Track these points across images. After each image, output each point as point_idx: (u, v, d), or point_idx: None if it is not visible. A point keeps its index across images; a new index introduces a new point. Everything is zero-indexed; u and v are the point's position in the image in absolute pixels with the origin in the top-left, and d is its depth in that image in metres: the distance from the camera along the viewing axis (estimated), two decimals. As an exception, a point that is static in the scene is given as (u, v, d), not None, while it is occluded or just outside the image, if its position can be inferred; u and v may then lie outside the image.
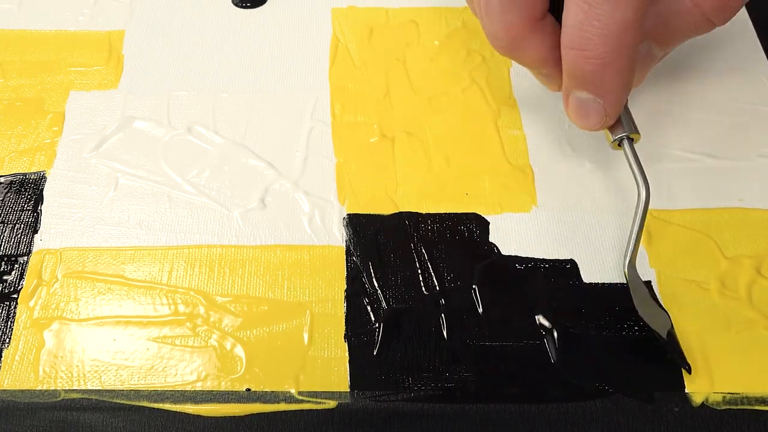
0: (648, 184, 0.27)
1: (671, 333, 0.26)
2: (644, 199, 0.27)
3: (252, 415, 0.26)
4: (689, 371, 0.26)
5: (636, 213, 0.27)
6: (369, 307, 0.28)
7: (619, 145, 0.29)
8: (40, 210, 0.31)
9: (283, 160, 0.32)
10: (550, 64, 0.27)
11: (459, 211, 0.30)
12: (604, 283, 0.28)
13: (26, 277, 0.29)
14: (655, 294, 0.28)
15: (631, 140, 0.28)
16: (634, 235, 0.27)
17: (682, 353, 0.26)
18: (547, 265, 0.29)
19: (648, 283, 0.28)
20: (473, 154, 0.32)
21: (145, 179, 0.31)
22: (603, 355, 0.27)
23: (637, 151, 0.28)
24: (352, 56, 0.36)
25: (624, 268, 0.27)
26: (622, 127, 0.28)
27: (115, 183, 0.31)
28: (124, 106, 0.34)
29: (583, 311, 0.28)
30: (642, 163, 0.28)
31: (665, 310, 0.27)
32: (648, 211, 0.30)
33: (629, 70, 0.26)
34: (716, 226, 0.30)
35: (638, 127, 0.29)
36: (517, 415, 0.26)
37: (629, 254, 0.27)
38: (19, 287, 0.28)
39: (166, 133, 0.33)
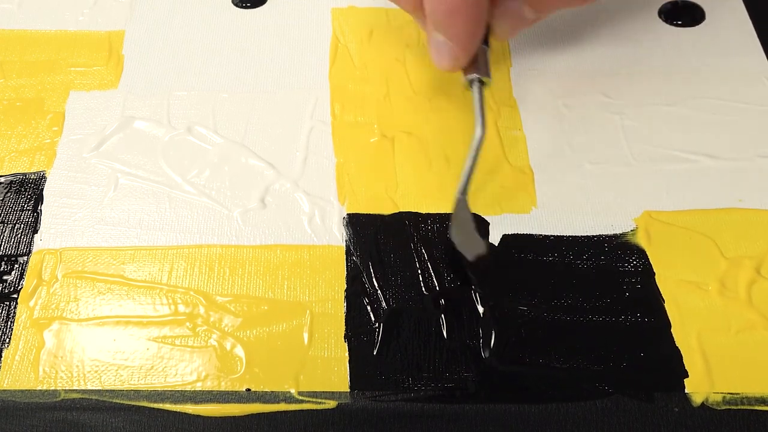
0: (484, 126, 0.29)
1: (481, 257, 0.28)
2: (478, 138, 0.29)
3: (252, 415, 0.26)
4: (481, 278, 0.28)
5: (470, 150, 0.29)
6: (369, 307, 0.28)
7: (471, 85, 0.30)
8: (40, 210, 0.31)
9: (283, 160, 0.32)
10: (421, 10, 0.30)
11: (459, 211, 0.30)
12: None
13: (26, 277, 0.29)
14: (487, 230, 0.29)
15: (481, 83, 0.30)
16: (467, 169, 0.29)
17: (483, 276, 0.28)
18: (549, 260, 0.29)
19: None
20: (473, 154, 0.32)
21: (145, 179, 0.31)
22: (603, 354, 0.27)
23: (484, 98, 0.30)
24: (352, 56, 0.36)
25: (455, 198, 0.28)
26: (476, 70, 0.30)
27: (115, 183, 0.31)
28: (124, 106, 0.34)
29: (586, 306, 0.28)
30: (484, 110, 0.29)
31: (486, 242, 0.29)
32: (647, 211, 0.30)
33: (476, 20, 0.29)
34: (716, 226, 0.30)
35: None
36: (517, 415, 0.26)
37: (461, 185, 0.29)
38: (19, 287, 0.28)
39: (166, 133, 0.33)
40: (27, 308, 0.28)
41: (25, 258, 0.29)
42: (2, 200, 0.31)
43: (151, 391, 0.26)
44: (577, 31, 0.37)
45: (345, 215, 0.30)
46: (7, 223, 0.30)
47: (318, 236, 0.30)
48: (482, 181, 0.31)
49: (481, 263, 0.28)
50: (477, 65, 0.30)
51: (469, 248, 0.28)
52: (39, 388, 0.26)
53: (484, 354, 0.27)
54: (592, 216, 0.30)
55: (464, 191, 0.29)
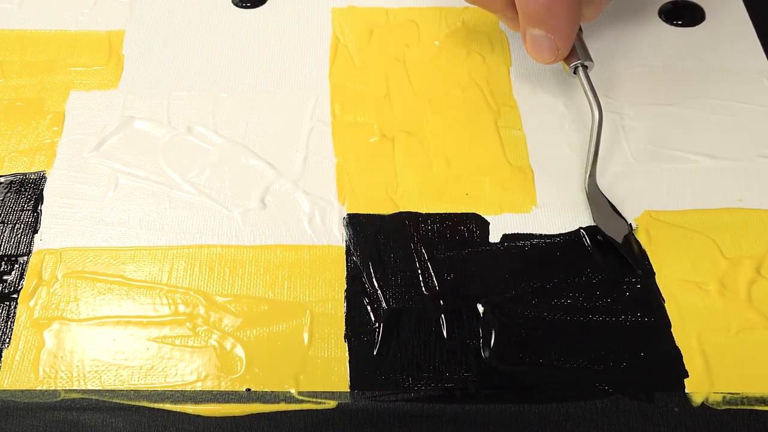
0: (600, 106, 0.30)
1: (627, 237, 0.29)
2: (597, 119, 0.30)
3: (252, 415, 0.26)
4: (642, 273, 0.28)
5: (592, 132, 0.30)
6: (369, 307, 0.28)
7: (575, 72, 0.31)
8: (40, 210, 0.31)
9: (283, 160, 0.32)
10: (510, 8, 0.31)
11: (459, 211, 0.30)
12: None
13: (26, 277, 0.29)
14: (615, 207, 0.30)
15: (585, 67, 0.31)
16: (592, 151, 0.30)
17: (636, 255, 0.28)
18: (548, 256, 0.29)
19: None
20: (473, 154, 0.32)
21: (145, 179, 0.31)
22: (603, 354, 0.27)
23: (592, 80, 0.31)
24: (352, 56, 0.36)
25: (585, 182, 0.30)
26: (577, 56, 0.31)
27: (115, 183, 0.31)
28: (124, 106, 0.34)
29: (587, 306, 0.28)
30: (595, 92, 0.31)
31: (624, 219, 0.29)
32: (647, 211, 0.30)
33: (574, 7, 0.29)
34: (716, 226, 0.30)
35: (591, 56, 0.32)
36: (517, 415, 0.26)
37: (589, 168, 0.30)
38: (19, 287, 0.28)
39: (166, 133, 0.33)
40: (27, 308, 0.28)
41: (25, 258, 0.29)
42: (2, 200, 0.31)
43: (151, 391, 0.26)
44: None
45: (345, 215, 0.30)
46: (7, 223, 0.30)
47: (318, 236, 0.30)
48: (482, 181, 0.31)
49: (630, 242, 0.29)
50: (575, 51, 0.31)
51: (615, 230, 0.29)
52: (39, 388, 0.26)
53: (484, 354, 0.27)
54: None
55: (592, 174, 0.30)
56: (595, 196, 0.30)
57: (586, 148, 0.32)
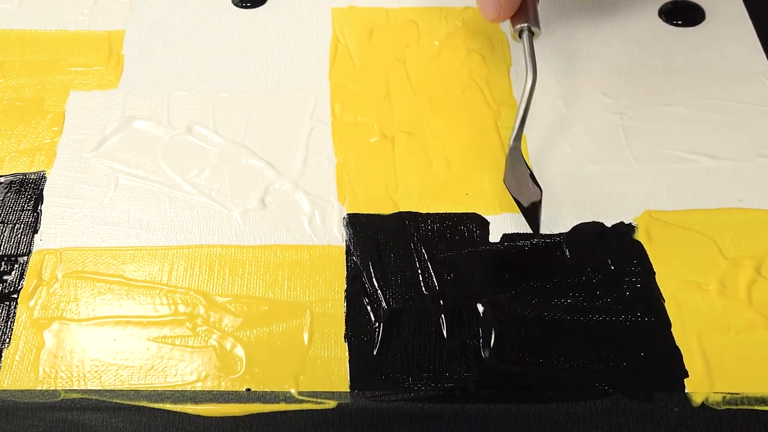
0: (536, 73, 0.30)
1: (535, 204, 0.28)
2: (530, 85, 0.30)
3: (252, 415, 0.26)
4: (537, 233, 0.29)
5: (522, 96, 0.30)
6: (369, 307, 0.28)
7: (519, 36, 0.31)
8: (40, 210, 0.31)
9: (283, 160, 0.32)
10: None
11: (459, 211, 0.30)
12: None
13: (26, 277, 0.29)
14: (535, 177, 0.29)
15: (531, 33, 0.31)
16: (520, 115, 0.30)
17: (538, 223, 0.28)
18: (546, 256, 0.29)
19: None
20: (473, 154, 0.32)
21: (145, 179, 0.31)
22: (603, 354, 0.27)
23: (534, 49, 0.31)
24: (352, 56, 0.36)
25: (509, 144, 0.30)
26: (524, 19, 0.31)
27: (115, 183, 0.31)
28: (124, 106, 0.34)
29: (586, 305, 0.28)
30: (534, 58, 0.31)
31: (541, 190, 0.28)
32: (647, 211, 0.30)
33: None
34: (716, 226, 0.30)
35: (540, 23, 0.32)
36: (517, 415, 0.26)
37: (514, 133, 0.30)
38: (19, 287, 0.28)
39: (166, 133, 0.33)
40: (27, 308, 0.28)
41: (25, 258, 0.29)
42: (2, 200, 0.31)
43: (151, 391, 0.26)
44: (576, 30, 0.37)
45: (345, 215, 0.30)
46: (7, 223, 0.30)
47: (318, 236, 0.30)
48: (482, 181, 0.31)
49: (534, 209, 0.28)
50: (526, 14, 0.31)
51: (525, 195, 0.29)
52: (39, 388, 0.26)
53: (484, 354, 0.27)
54: (592, 215, 0.30)
55: (517, 138, 0.30)
56: (514, 160, 0.30)
57: (586, 148, 0.32)
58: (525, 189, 0.29)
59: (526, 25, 0.31)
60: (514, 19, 0.32)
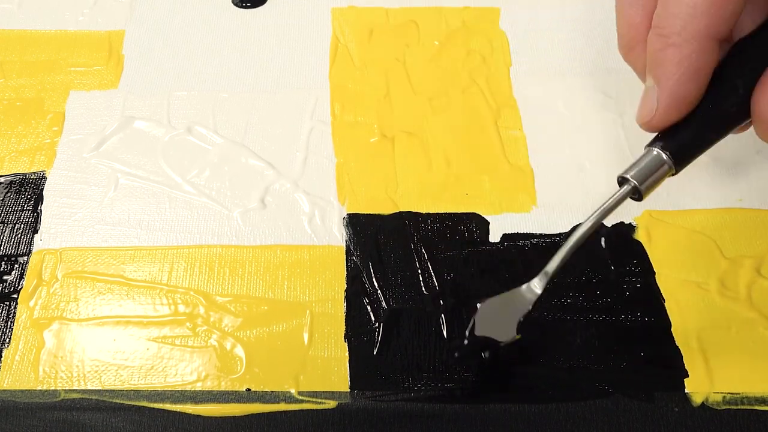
0: (597, 225, 0.23)
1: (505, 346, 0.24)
2: (583, 231, 0.24)
3: (252, 415, 0.26)
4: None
5: (570, 239, 0.24)
6: (369, 307, 0.28)
7: (620, 184, 0.24)
8: (40, 210, 0.31)
9: (283, 160, 0.32)
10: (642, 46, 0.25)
11: (459, 211, 0.30)
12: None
13: (26, 277, 0.29)
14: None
15: (632, 192, 0.23)
16: (559, 255, 0.24)
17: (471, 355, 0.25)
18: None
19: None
20: (473, 154, 0.32)
21: (145, 179, 0.31)
22: (603, 354, 0.27)
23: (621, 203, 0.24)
24: (352, 56, 0.36)
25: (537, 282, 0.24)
26: (637, 171, 0.23)
27: (115, 183, 0.31)
28: (124, 106, 0.34)
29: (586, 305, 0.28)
30: (610, 210, 0.24)
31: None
32: (647, 211, 0.30)
33: (692, 61, 0.22)
34: (716, 226, 0.30)
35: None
36: (517, 415, 0.26)
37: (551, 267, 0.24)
38: (19, 287, 0.28)
39: (166, 133, 0.33)
40: (27, 308, 0.28)
41: (25, 258, 0.29)
42: (2, 200, 0.31)
43: (151, 391, 0.26)
44: (576, 30, 0.37)
45: (345, 215, 0.30)
46: (7, 223, 0.30)
47: (318, 236, 0.30)
48: (482, 180, 0.31)
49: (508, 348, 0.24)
50: (645, 167, 0.23)
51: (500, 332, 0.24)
52: (39, 388, 0.26)
53: (484, 354, 0.27)
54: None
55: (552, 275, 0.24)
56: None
57: (586, 148, 0.32)
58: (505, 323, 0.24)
59: (636, 184, 0.23)
60: (654, 139, 0.24)
